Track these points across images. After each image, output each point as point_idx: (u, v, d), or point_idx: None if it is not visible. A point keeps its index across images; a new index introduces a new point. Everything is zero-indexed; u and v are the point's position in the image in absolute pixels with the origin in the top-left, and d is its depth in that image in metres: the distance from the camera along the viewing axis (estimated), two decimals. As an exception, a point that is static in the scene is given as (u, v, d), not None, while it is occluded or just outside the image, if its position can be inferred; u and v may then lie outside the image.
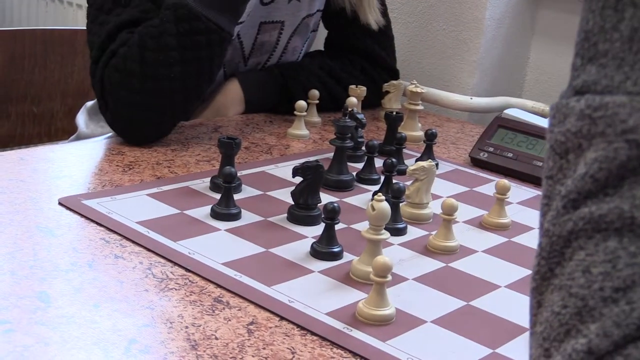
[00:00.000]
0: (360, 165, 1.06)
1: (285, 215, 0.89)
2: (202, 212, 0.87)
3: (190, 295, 0.70)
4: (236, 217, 0.86)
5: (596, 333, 0.35)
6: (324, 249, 0.80)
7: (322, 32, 1.44)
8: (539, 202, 0.41)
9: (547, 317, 0.38)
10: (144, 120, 1.06)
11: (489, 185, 1.07)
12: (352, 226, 0.89)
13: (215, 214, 0.86)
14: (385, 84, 1.36)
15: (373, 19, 1.33)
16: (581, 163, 0.38)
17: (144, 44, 1.04)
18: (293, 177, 0.88)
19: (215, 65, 1.09)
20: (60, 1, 2.84)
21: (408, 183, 0.94)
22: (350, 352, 0.64)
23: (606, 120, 0.37)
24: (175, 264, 0.75)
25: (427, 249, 0.85)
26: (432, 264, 0.82)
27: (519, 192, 1.07)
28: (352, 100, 1.19)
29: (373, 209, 0.74)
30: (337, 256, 0.80)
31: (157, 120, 1.07)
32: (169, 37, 1.04)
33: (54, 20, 2.87)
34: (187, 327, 0.64)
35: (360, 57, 1.39)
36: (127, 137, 1.08)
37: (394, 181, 0.92)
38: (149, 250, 0.77)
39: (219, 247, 0.79)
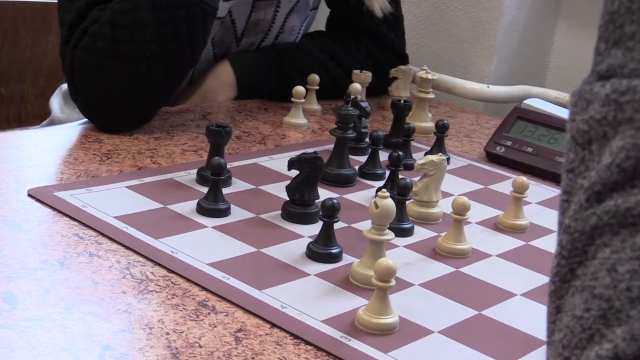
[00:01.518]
0: (363, 159, 1.06)
1: (279, 212, 0.89)
2: (187, 207, 0.87)
3: (172, 298, 0.70)
4: (225, 213, 0.86)
5: (622, 337, 0.35)
6: (321, 250, 0.80)
7: (324, 11, 1.44)
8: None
9: (567, 323, 0.38)
10: (119, 106, 1.06)
11: (506, 182, 1.07)
12: (352, 225, 0.89)
13: (202, 210, 0.86)
14: (393, 69, 1.36)
15: (379, 5, 1.32)
16: (606, 153, 0.38)
17: (116, 20, 1.03)
18: (289, 169, 0.88)
19: (198, 42, 1.08)
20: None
21: (416, 179, 0.94)
22: (348, 364, 0.64)
23: (634, 105, 0.37)
24: (156, 263, 0.75)
25: (435, 252, 0.85)
26: (440, 269, 0.82)
27: (539, 190, 1.07)
28: (356, 86, 1.20)
29: (376, 206, 0.74)
30: (335, 258, 0.80)
31: (134, 105, 1.07)
32: (143, 12, 1.03)
33: (27, -7, 2.86)
34: (168, 334, 0.64)
35: (366, 38, 1.39)
36: (102, 125, 1.07)
37: (400, 176, 0.92)
38: (127, 248, 0.77)
39: (205, 246, 0.80)
